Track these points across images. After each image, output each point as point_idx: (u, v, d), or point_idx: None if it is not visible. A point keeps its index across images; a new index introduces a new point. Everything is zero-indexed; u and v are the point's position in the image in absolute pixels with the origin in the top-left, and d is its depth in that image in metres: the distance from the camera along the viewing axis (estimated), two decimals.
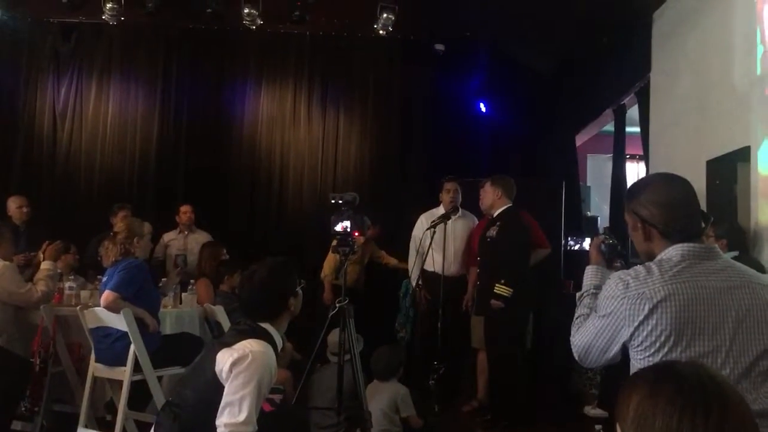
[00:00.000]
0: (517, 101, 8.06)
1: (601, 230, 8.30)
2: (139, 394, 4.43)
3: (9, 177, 7.61)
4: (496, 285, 5.04)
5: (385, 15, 6.75)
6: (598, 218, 8.73)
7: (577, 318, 2.14)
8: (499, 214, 5.32)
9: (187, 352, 4.58)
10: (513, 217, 5.28)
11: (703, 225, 1.99)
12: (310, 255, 6.50)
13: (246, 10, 6.68)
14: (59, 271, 4.86)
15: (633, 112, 7.09)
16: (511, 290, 5.01)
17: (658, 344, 1.84)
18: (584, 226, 8.13)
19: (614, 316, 1.92)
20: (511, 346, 5.17)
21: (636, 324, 1.87)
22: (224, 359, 2.49)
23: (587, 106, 7.95)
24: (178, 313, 5.02)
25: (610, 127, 7.84)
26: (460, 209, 5.90)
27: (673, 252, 1.93)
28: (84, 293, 5.00)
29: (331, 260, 6.34)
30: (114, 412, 4.51)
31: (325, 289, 6.27)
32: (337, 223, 3.60)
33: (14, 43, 7.67)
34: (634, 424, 1.14)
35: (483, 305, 5.27)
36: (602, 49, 6.96)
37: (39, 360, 4.46)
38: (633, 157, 8.91)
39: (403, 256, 6.20)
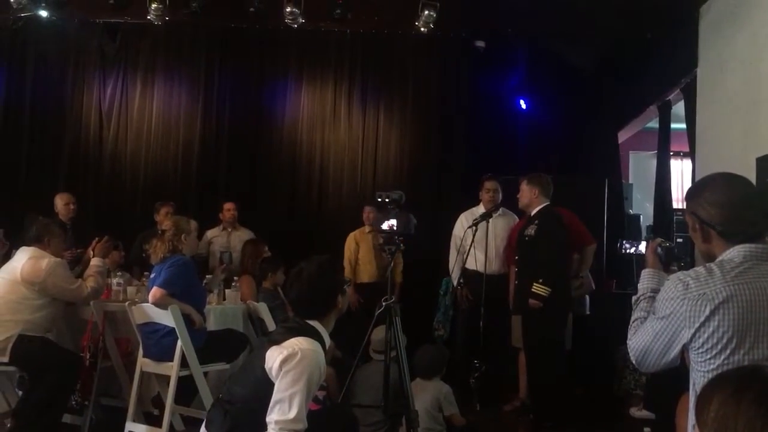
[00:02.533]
0: (558, 98, 7.96)
1: (644, 230, 8.21)
2: (186, 389, 4.50)
3: (57, 175, 7.77)
4: (534, 284, 5.00)
5: (426, 12, 6.71)
6: (641, 216, 8.60)
7: (633, 321, 2.10)
8: (536, 212, 5.28)
9: (232, 348, 4.66)
10: (550, 216, 5.24)
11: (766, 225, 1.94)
12: None
13: (288, 9, 6.69)
14: (107, 267, 4.95)
15: (678, 108, 6.96)
16: (549, 289, 4.97)
17: (720, 346, 1.81)
18: (627, 224, 8.02)
19: (674, 318, 1.88)
20: (549, 345, 5.12)
21: (697, 325, 1.83)
22: (274, 357, 2.52)
23: (630, 102, 7.82)
24: (223, 309, 5.09)
25: (653, 123, 7.71)
26: (500, 207, 5.87)
27: (734, 253, 1.89)
28: (130, 289, 5.09)
29: (346, 263, 6.48)
30: (161, 406, 4.60)
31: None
32: (383, 222, 3.60)
33: (61, 44, 7.82)
34: (714, 424, 1.12)
35: (521, 304, 5.24)
36: (646, 44, 6.85)
37: (89, 355, 4.55)
38: (677, 154, 8.77)
39: (443, 255, 6.18)
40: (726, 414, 1.12)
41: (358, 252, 6.62)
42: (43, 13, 6.99)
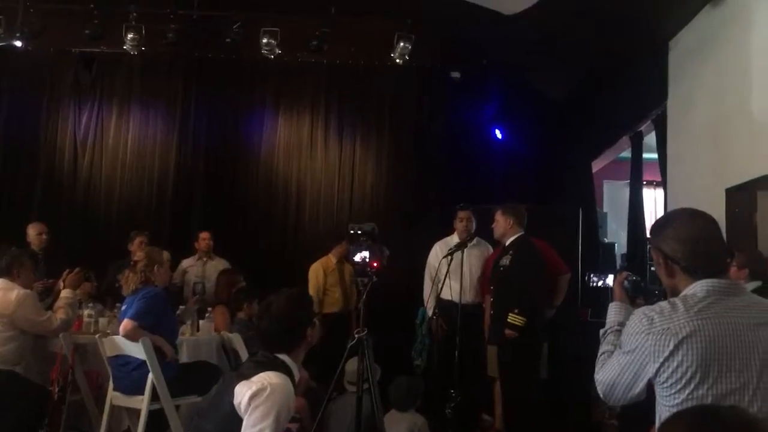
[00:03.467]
0: (533, 128, 8.07)
1: (618, 258, 8.28)
2: (157, 423, 4.43)
3: (30, 204, 7.70)
4: (510, 314, 5.01)
5: (402, 44, 6.81)
6: (616, 245, 8.68)
7: (601, 355, 2.12)
8: (511, 242, 5.32)
9: (204, 381, 4.55)
10: (525, 246, 5.27)
11: (728, 260, 1.97)
12: None
13: (264, 40, 6.77)
14: (78, 298, 4.89)
15: (650, 138, 7.07)
16: (525, 320, 4.98)
17: (684, 381, 1.82)
18: (601, 252, 8.08)
19: (639, 352, 1.90)
20: (526, 375, 5.13)
21: (661, 360, 1.85)
22: (243, 392, 2.49)
23: (603, 132, 7.94)
24: (196, 340, 5.04)
25: (626, 153, 7.82)
26: (475, 237, 5.90)
27: (698, 288, 1.91)
28: (102, 320, 5.04)
29: (313, 293, 6.30)
30: None
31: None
32: (356, 254, 3.60)
33: (36, 74, 7.80)
34: None
35: (497, 334, 5.25)
36: (619, 77, 6.97)
37: (58, 388, 4.48)
38: (650, 184, 8.88)
39: (419, 285, 6.18)
40: None
41: (326, 282, 6.56)
42: (18, 44, 6.97)
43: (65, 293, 4.65)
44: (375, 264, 3.56)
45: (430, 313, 5.90)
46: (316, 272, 6.58)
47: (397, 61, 7.06)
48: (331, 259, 6.67)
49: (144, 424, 4.21)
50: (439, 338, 5.81)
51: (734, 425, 1.14)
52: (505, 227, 5.35)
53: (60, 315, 4.47)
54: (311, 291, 6.41)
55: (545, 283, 5.43)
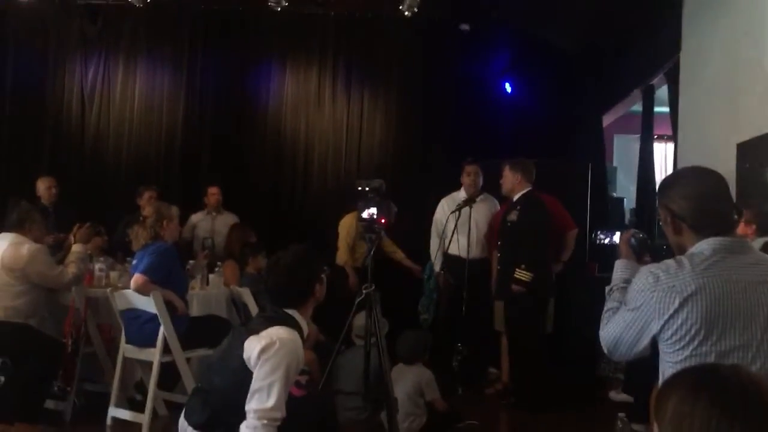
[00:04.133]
0: (543, 81, 7.96)
1: (627, 213, 8.27)
2: (169, 375, 4.52)
3: (39, 159, 7.71)
4: (516, 270, 5.04)
5: None
6: (624, 200, 8.65)
7: (606, 311, 2.13)
8: (518, 198, 5.31)
9: (215, 334, 4.62)
10: (533, 202, 5.26)
11: (735, 217, 1.97)
12: (333, 238, 6.50)
13: None
14: (89, 252, 4.93)
15: (662, 92, 6.98)
16: (531, 275, 5.01)
17: (688, 338, 1.84)
18: (610, 207, 8.06)
19: (644, 309, 1.91)
20: (531, 330, 5.19)
21: (666, 317, 1.86)
22: (252, 346, 2.53)
23: (614, 86, 7.84)
24: (205, 294, 5.10)
25: (637, 107, 7.74)
26: (482, 192, 5.88)
27: (704, 246, 1.91)
28: (113, 274, 5.10)
29: (344, 246, 6.31)
30: (144, 392, 4.61)
31: (348, 274, 6.24)
32: (364, 210, 3.61)
33: (41, 26, 7.74)
34: (672, 423, 1.15)
35: (503, 289, 5.28)
36: (630, 29, 6.85)
37: (71, 341, 4.56)
38: (661, 138, 8.81)
39: (428, 240, 6.18)
40: (682, 413, 1.14)
41: (356, 236, 6.24)
42: None
43: (76, 248, 4.69)
44: (383, 220, 3.57)
45: (437, 268, 5.93)
46: (347, 226, 6.31)
47: (406, 13, 6.94)
48: None
49: (156, 376, 4.30)
50: (447, 293, 5.86)
51: (735, 383, 1.15)
52: (513, 182, 5.34)
53: (71, 269, 4.52)
54: (340, 243, 6.33)
55: (552, 239, 5.44)
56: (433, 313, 6.26)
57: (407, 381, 4.38)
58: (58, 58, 7.87)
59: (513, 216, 5.24)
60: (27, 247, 4.37)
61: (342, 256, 6.29)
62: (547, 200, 5.40)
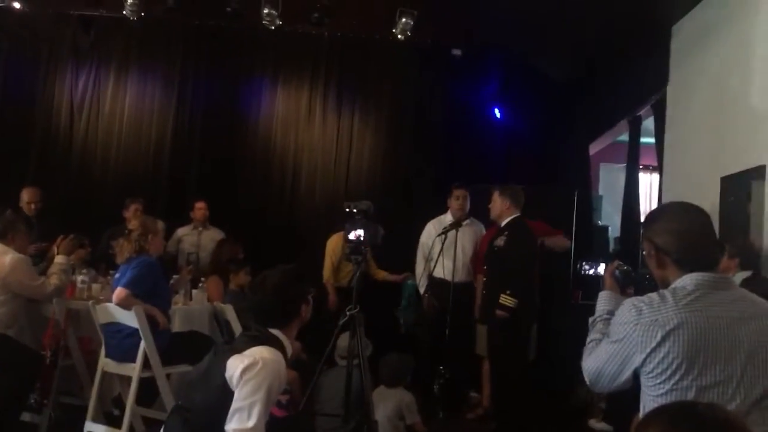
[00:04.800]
0: (533, 108, 8.05)
1: (612, 242, 8.32)
2: (147, 391, 4.47)
3: (25, 168, 7.65)
4: (502, 295, 5.05)
5: (404, 20, 6.75)
6: (609, 228, 8.71)
7: (589, 342, 2.15)
8: (506, 224, 5.33)
9: (196, 351, 4.59)
10: (521, 228, 5.29)
11: (719, 254, 2.00)
12: (320, 257, 6.50)
13: (266, 11, 6.68)
14: (72, 264, 4.90)
15: (648, 123, 7.07)
16: (516, 301, 5.02)
17: (669, 372, 1.85)
18: (595, 235, 8.12)
19: (626, 342, 1.93)
20: (514, 355, 5.18)
21: (648, 351, 1.88)
22: (235, 366, 2.51)
23: (602, 115, 7.93)
24: (188, 310, 5.06)
25: (624, 136, 7.82)
26: (469, 217, 5.92)
27: (687, 280, 1.94)
28: (95, 287, 5.05)
29: (329, 264, 6.37)
30: (121, 407, 4.56)
31: (329, 292, 6.27)
32: (351, 232, 3.62)
33: (34, 37, 7.72)
34: None
35: (487, 314, 5.29)
36: (619, 61, 6.95)
37: (50, 353, 4.51)
38: (647, 168, 8.89)
39: (412, 262, 6.19)
40: None
41: (342, 255, 6.16)
42: (17, 5, 6.89)
43: (59, 259, 4.65)
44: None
45: (422, 290, 5.93)
46: (333, 244, 6.37)
47: (399, 36, 7.01)
48: None
49: (135, 392, 4.25)
50: (430, 316, 5.86)
51: (712, 422, 1.16)
52: (502, 208, 5.36)
53: (53, 280, 4.48)
54: (326, 260, 6.39)
55: (537, 266, 5.47)
56: (410, 317, 6.15)
57: (388, 404, 4.36)
58: (50, 68, 7.86)
59: (500, 241, 5.26)
60: (10, 256, 4.34)
61: (325, 274, 6.34)
62: (535, 225, 5.44)
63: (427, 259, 5.85)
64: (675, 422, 1.18)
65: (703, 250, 1.97)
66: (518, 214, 5.34)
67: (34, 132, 7.79)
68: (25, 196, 6.32)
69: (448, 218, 5.92)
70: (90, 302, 4.49)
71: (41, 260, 5.14)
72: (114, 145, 7.86)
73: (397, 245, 6.17)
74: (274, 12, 6.69)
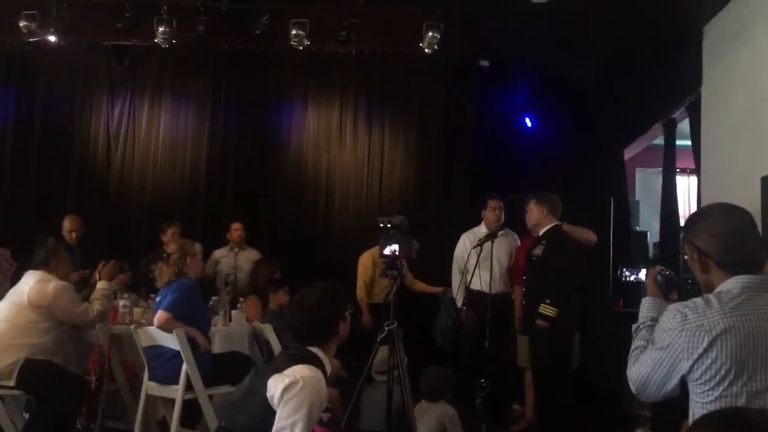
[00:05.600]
0: (563, 116, 7.97)
1: (651, 247, 8.19)
2: (191, 412, 4.51)
3: (65, 195, 7.84)
4: (542, 305, 4.99)
5: (430, 33, 6.77)
6: (648, 233, 8.57)
7: (633, 350, 2.11)
8: (544, 232, 5.28)
9: (237, 371, 4.62)
10: (559, 237, 5.24)
11: (764, 255, 1.95)
12: (355, 275, 6.51)
13: (293, 32, 6.78)
14: (113, 289, 4.98)
15: (683, 125, 6.96)
16: (557, 310, 4.96)
17: (718, 378, 1.81)
18: (633, 241, 7.99)
19: (672, 349, 1.89)
20: (557, 366, 5.11)
21: (695, 357, 1.84)
22: (276, 385, 2.53)
23: (635, 120, 7.82)
24: (228, 331, 5.10)
25: (659, 140, 7.71)
26: (504, 227, 5.87)
27: (732, 284, 1.89)
28: (137, 311, 5.13)
29: (361, 282, 6.39)
30: (166, 429, 4.60)
31: (363, 311, 6.26)
32: (386, 247, 3.62)
33: (70, 67, 7.93)
34: None
35: (528, 324, 5.23)
36: (650, 63, 6.86)
37: (95, 378, 4.58)
38: (684, 171, 8.74)
39: (447, 275, 6.16)
40: None
41: (374, 272, 6.40)
42: (52, 38, 7.08)
43: (101, 285, 4.74)
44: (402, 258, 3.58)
45: (459, 303, 5.90)
46: (365, 262, 6.44)
47: (426, 50, 7.02)
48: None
49: (179, 413, 4.29)
50: (469, 328, 5.81)
51: (763, 428, 1.13)
52: (539, 217, 5.32)
53: (96, 306, 4.57)
54: (359, 279, 6.42)
55: (578, 274, 5.39)
56: (449, 338, 6.12)
57: (430, 418, 4.33)
58: (86, 98, 8.06)
59: (538, 251, 5.21)
60: (53, 284, 4.42)
61: (358, 293, 6.34)
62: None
63: (463, 272, 5.81)
64: (724, 428, 1.15)
65: (747, 252, 1.93)
66: (556, 223, 5.29)
67: (72, 161, 7.98)
68: (67, 224, 6.45)
69: (481, 230, 5.89)
70: (132, 326, 4.56)
71: (83, 287, 5.24)
72: (150, 170, 8.01)
73: (431, 259, 6.18)
74: (302, 32, 6.78)
